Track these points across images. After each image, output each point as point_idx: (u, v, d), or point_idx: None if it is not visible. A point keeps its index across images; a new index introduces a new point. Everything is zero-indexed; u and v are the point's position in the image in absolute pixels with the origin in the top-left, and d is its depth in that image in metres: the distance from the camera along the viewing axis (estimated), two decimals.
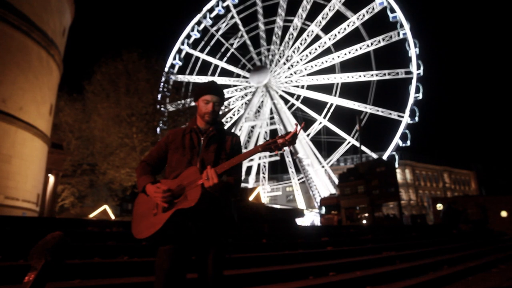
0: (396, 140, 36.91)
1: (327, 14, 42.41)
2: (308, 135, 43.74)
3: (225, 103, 44.67)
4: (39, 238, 2.03)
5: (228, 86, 46.74)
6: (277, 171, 63.41)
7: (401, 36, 38.62)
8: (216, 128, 2.44)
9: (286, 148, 2.04)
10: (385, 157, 37.01)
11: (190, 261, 2.26)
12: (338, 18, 42.46)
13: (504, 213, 31.26)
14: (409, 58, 38.20)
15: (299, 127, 1.94)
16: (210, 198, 2.17)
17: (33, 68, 19.70)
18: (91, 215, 28.21)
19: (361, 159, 35.59)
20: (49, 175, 24.87)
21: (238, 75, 47.70)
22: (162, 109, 28.35)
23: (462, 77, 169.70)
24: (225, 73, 48.59)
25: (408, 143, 36.58)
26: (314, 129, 43.54)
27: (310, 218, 40.33)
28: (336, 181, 36.40)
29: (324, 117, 42.81)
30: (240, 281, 4.11)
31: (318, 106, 46.23)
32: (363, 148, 39.04)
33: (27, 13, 18.98)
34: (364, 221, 27.08)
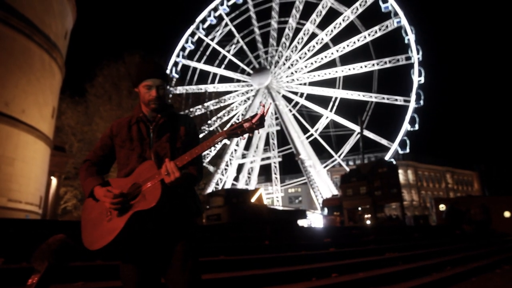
0: (406, 125, 36.87)
1: (320, 12, 42.80)
2: (316, 130, 43.85)
3: (228, 108, 45.01)
4: (42, 241, 2.03)
5: (229, 92, 46.96)
6: (280, 172, 63.42)
7: (396, 24, 38.96)
8: (165, 114, 2.12)
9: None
10: (396, 143, 37.03)
11: (158, 271, 2.00)
12: (332, 14, 42.95)
13: (507, 214, 31.11)
14: (407, 45, 38.67)
15: (266, 108, 1.77)
16: (171, 194, 1.91)
17: (36, 71, 19.77)
18: None
19: (363, 160, 35.53)
20: (52, 177, 24.94)
21: (238, 80, 47.88)
22: None
23: (464, 76, 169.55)
24: (224, 79, 48.77)
25: (417, 127, 36.65)
26: (321, 124, 43.67)
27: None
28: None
29: (330, 111, 42.99)
30: (243, 283, 4.11)
31: (323, 101, 46.26)
32: (373, 136, 39.27)
33: (29, 16, 19.07)
34: (368, 222, 27.03)
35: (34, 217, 18.86)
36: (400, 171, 50.62)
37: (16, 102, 18.31)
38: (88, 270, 3.60)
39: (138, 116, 2.12)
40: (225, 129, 1.86)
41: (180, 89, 41.72)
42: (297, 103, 45.41)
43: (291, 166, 54.90)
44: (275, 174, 47.76)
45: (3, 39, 17.75)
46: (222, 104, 43.33)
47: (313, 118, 45.02)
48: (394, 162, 36.29)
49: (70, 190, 31.72)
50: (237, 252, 5.49)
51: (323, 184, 42.17)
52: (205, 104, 40.51)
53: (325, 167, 44.19)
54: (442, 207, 34.89)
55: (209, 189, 37.88)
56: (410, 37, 37.76)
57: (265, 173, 62.01)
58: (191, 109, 36.20)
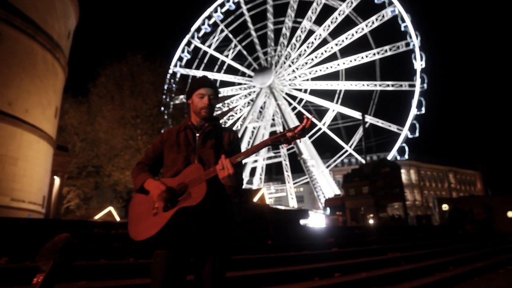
0: (414, 109, 36.93)
1: (316, 8, 43.02)
2: (324, 124, 43.95)
3: (231, 112, 44.97)
4: (45, 240, 2.04)
5: (232, 96, 47.05)
6: (282, 172, 63.47)
7: (391, 14, 39.03)
8: (212, 124, 2.33)
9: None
10: (406, 127, 37.10)
11: (188, 267, 2.11)
12: (328, 10, 43.43)
13: (510, 214, 30.99)
14: (405, 32, 38.81)
15: (308, 120, 1.88)
16: (214, 196, 2.08)
17: (39, 71, 19.83)
18: (96, 217, 28.33)
19: (365, 160, 35.49)
20: (55, 177, 25.01)
21: (239, 83, 47.96)
22: (166, 112, 28.51)
23: (466, 76, 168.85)
24: (226, 84, 48.90)
25: (423, 110, 36.85)
26: (329, 117, 43.83)
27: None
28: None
29: (336, 103, 43.13)
30: (246, 283, 4.12)
31: (328, 95, 46.45)
32: (382, 124, 39.36)
33: (32, 17, 19.12)
34: (371, 221, 27.01)
35: (37, 216, 18.94)
36: (403, 171, 50.58)
37: (19, 102, 18.37)
38: (92, 269, 3.62)
39: (186, 124, 2.36)
40: (270, 137, 2.01)
41: (181, 98, 42.01)
42: (301, 99, 45.61)
43: (293, 166, 54.93)
44: (286, 172, 48.12)
45: (6, 39, 17.81)
46: (225, 109, 43.45)
47: (320, 113, 45.24)
48: (406, 148, 36.30)
49: (73, 189, 31.80)
50: (240, 252, 5.50)
51: (325, 183, 42.18)
52: None
53: (331, 164, 44.30)
54: (445, 207, 34.79)
55: None
56: (408, 23, 37.93)
57: (267, 173, 62.07)
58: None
